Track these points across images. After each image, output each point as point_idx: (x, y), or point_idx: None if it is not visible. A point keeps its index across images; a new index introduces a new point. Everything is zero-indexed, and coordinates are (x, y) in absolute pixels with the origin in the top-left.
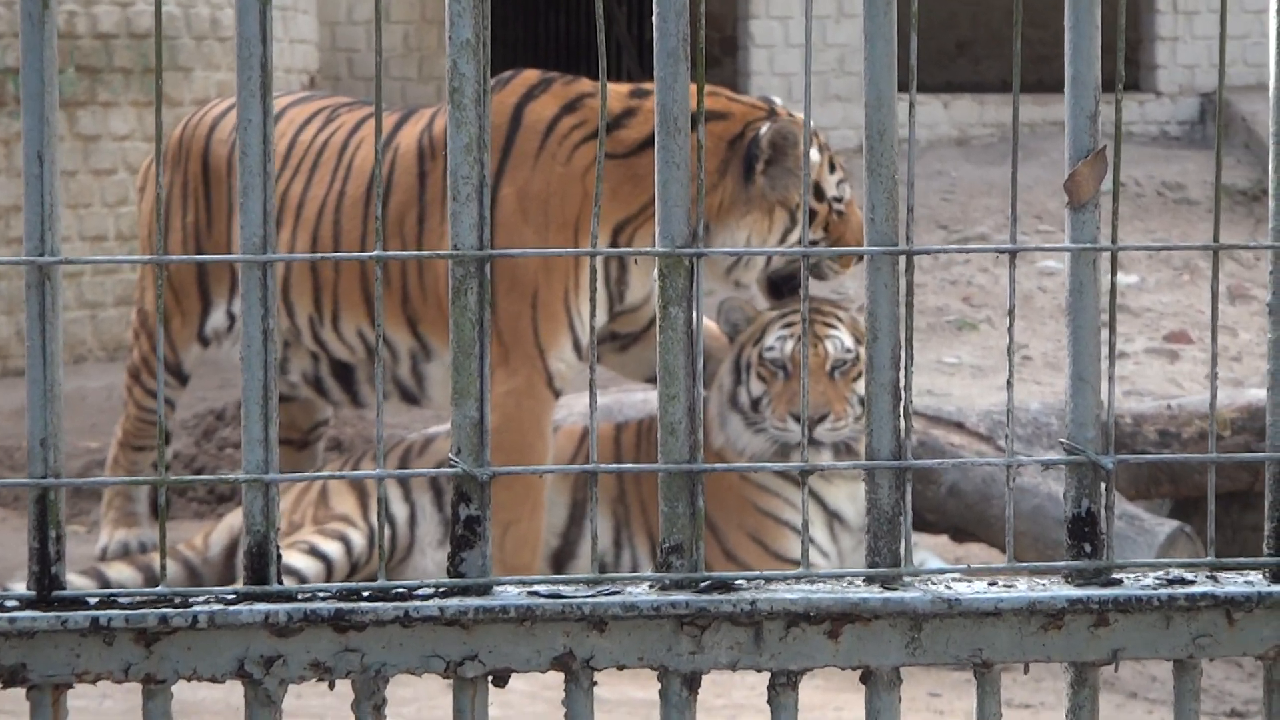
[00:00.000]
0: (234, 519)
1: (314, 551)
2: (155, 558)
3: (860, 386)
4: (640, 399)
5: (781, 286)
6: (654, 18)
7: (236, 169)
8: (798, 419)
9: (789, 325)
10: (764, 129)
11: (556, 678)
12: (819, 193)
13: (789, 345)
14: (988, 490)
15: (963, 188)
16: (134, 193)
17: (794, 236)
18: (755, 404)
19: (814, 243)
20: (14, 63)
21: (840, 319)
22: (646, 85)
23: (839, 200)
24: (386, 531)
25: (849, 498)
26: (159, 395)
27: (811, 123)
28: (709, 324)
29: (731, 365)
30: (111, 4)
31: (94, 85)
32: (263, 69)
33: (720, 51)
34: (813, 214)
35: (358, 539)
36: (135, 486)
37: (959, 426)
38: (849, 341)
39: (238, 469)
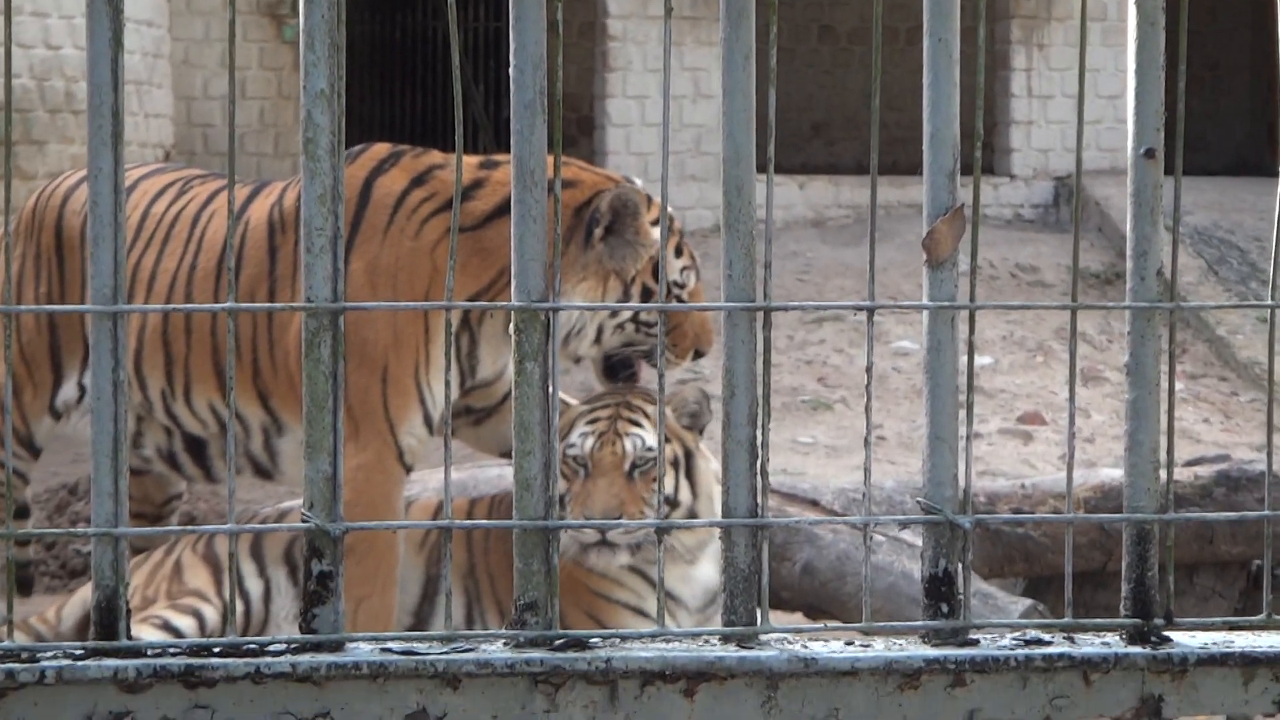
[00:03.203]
0: (86, 592)
1: (166, 626)
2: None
3: (668, 484)
4: (495, 474)
5: (618, 369)
6: (510, 70)
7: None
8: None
9: (594, 422)
10: (605, 194)
11: None
12: (659, 274)
13: (589, 443)
14: (842, 568)
15: (818, 269)
16: None
17: (627, 313)
18: (561, 501)
19: (649, 325)
20: None
21: (648, 414)
22: (497, 156)
23: (681, 287)
24: (240, 606)
25: (682, 579)
26: (6, 453)
27: (668, 206)
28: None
29: None
30: None
31: None
32: (114, 117)
33: (577, 131)
34: (649, 295)
35: (210, 613)
36: None
37: (814, 504)
38: (651, 439)
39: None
